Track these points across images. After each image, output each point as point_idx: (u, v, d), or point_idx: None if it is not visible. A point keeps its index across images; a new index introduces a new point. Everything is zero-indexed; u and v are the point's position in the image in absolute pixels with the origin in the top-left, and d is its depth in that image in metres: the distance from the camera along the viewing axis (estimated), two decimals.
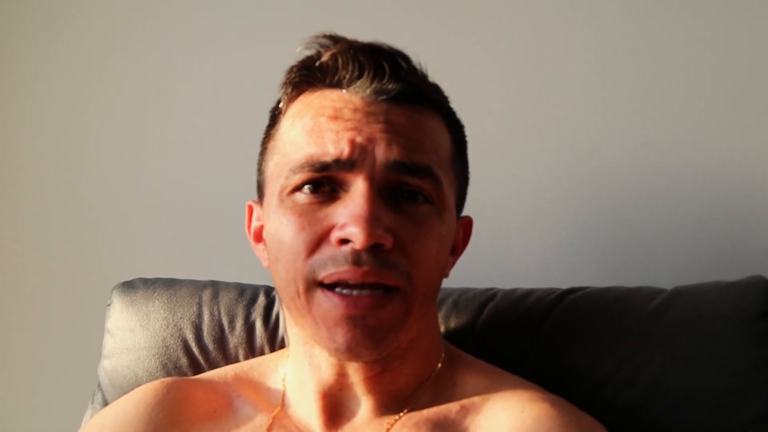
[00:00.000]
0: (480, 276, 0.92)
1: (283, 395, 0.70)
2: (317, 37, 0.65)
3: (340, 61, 0.63)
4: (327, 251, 0.59)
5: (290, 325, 0.68)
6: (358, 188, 0.60)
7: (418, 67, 0.66)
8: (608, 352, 0.74)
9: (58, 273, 1.17)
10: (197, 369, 0.86)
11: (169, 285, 0.93)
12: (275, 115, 0.69)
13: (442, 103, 0.69)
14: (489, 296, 0.82)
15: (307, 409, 0.67)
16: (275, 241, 0.63)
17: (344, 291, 0.59)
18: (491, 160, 1.00)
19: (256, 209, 0.70)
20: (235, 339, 0.88)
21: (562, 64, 1.00)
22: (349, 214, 0.59)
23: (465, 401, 0.65)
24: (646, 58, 0.97)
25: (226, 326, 0.89)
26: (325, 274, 0.59)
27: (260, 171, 0.69)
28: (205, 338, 0.87)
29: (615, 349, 0.74)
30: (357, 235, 0.57)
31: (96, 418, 0.72)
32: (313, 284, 0.60)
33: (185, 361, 0.87)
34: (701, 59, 0.95)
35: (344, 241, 0.59)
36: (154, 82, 1.16)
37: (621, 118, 0.97)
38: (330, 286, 0.60)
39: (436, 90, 0.68)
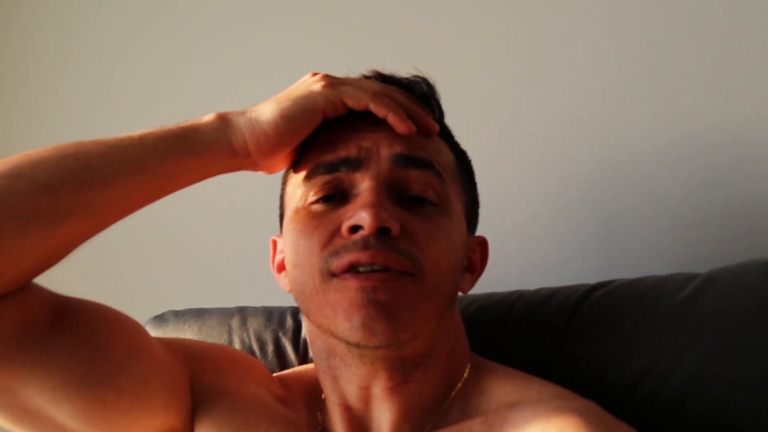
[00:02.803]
0: (504, 275, 0.89)
1: (322, 407, 0.71)
2: None
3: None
4: (338, 243, 0.62)
5: (313, 340, 0.69)
6: (365, 185, 0.63)
7: (431, 87, 0.71)
8: (641, 348, 0.71)
9: None
10: None
11: (198, 315, 0.94)
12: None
13: (448, 131, 0.73)
14: (513, 299, 0.80)
15: (335, 425, 0.68)
16: (293, 247, 0.65)
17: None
18: (509, 151, 0.99)
19: (279, 242, 0.73)
20: (267, 364, 0.88)
21: (585, 45, 0.97)
22: (358, 206, 0.62)
23: (490, 412, 0.64)
24: (664, 30, 0.93)
25: (258, 352, 0.89)
26: (337, 262, 0.61)
27: (281, 204, 0.72)
28: None
29: (648, 343, 0.71)
30: (364, 218, 0.60)
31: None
32: (327, 276, 0.62)
33: None
34: (728, 21, 0.90)
35: (354, 231, 0.61)
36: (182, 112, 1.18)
37: (644, 95, 0.93)
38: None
39: (440, 116, 0.72)
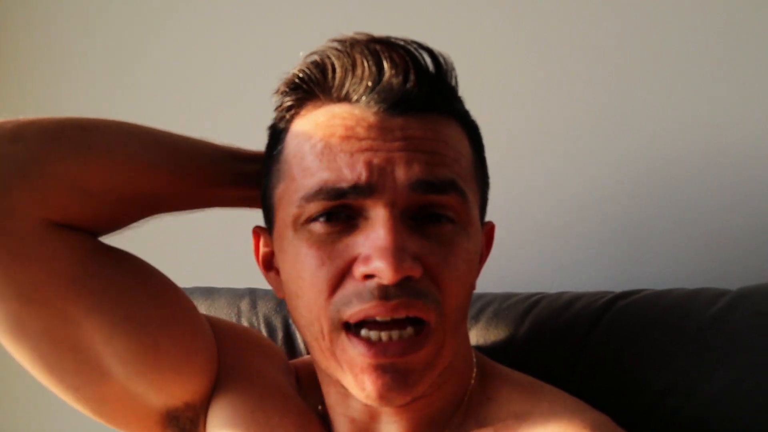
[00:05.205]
0: (527, 278, 0.87)
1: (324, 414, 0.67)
2: (326, 42, 0.59)
3: (347, 71, 0.57)
4: (350, 287, 0.55)
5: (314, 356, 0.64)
6: (379, 216, 0.55)
7: (439, 62, 0.60)
8: (666, 363, 0.68)
9: None
10: None
11: (207, 294, 0.92)
12: (276, 134, 0.62)
13: (459, 107, 0.62)
14: (532, 302, 0.77)
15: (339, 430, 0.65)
16: (293, 277, 0.58)
17: (371, 333, 0.55)
18: (538, 147, 0.95)
19: (263, 235, 0.65)
20: None
21: (613, 44, 0.93)
22: (373, 246, 0.54)
23: (499, 424, 0.61)
24: (699, 33, 0.89)
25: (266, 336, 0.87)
26: (350, 312, 0.54)
27: (266, 195, 0.62)
28: None
29: (674, 359, 0.68)
30: (384, 270, 0.52)
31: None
32: (338, 325, 0.56)
33: None
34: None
35: (369, 276, 0.54)
36: (185, 92, 1.16)
37: (679, 100, 0.89)
38: (356, 325, 0.55)
39: (453, 93, 0.62)
